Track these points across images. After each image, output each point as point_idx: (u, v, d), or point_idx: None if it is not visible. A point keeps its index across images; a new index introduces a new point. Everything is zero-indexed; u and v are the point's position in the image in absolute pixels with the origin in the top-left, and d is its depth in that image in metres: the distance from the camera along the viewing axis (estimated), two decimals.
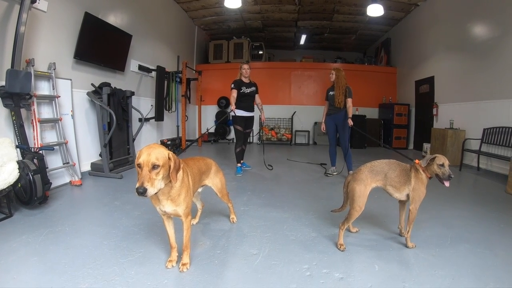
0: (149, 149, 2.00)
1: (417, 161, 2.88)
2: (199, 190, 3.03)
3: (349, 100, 5.79)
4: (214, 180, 3.03)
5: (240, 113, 6.00)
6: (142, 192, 1.88)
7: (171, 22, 10.00)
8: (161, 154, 2.00)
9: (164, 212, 2.29)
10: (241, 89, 5.99)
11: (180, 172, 2.23)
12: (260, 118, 6.41)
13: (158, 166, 1.96)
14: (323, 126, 6.19)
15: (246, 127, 6.19)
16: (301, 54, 14.89)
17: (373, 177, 2.82)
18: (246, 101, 6.05)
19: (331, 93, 5.97)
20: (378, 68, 12.95)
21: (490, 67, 6.75)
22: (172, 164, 2.05)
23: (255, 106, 6.34)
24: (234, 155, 6.23)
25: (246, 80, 6.09)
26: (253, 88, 6.16)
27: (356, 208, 2.73)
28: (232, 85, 5.97)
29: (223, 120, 5.88)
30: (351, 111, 5.80)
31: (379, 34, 13.18)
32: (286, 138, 11.83)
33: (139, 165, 1.96)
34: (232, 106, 5.85)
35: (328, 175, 6.08)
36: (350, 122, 5.69)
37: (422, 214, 3.77)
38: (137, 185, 1.90)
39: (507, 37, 6.24)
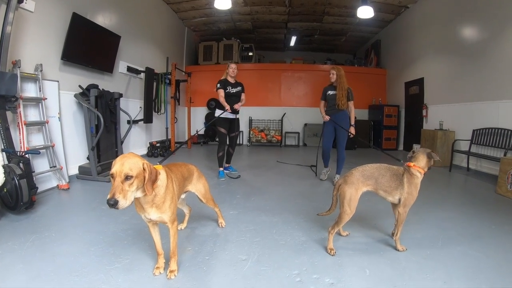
0: (123, 159, 1.93)
1: (409, 164, 2.81)
2: (183, 196, 2.98)
3: (351, 104, 5.51)
4: (197, 186, 2.99)
5: (224, 114, 5.74)
6: (113, 204, 1.81)
7: (161, 23, 9.94)
8: (135, 165, 1.92)
9: (150, 219, 2.24)
10: (227, 89, 5.80)
11: (164, 179, 2.18)
12: (235, 108, 5.76)
13: (132, 177, 1.89)
14: (326, 117, 5.56)
15: (231, 130, 5.96)
16: (291, 55, 14.86)
17: (364, 181, 2.81)
18: (231, 102, 5.74)
19: (330, 92, 5.60)
20: (368, 69, 13.01)
21: (479, 69, 6.82)
22: (146, 175, 1.97)
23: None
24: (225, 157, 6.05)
25: (232, 80, 5.91)
26: (239, 88, 5.96)
27: (347, 211, 2.72)
28: (218, 85, 5.79)
29: (213, 123, 5.65)
30: (353, 115, 5.55)
31: (369, 36, 13.24)
32: (276, 140, 11.84)
33: (112, 176, 1.89)
34: (226, 106, 5.60)
35: (323, 179, 5.83)
36: (353, 131, 5.37)
37: (412, 216, 3.77)
38: (108, 196, 1.82)
39: (495, 40, 6.32)
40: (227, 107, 5.60)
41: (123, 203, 1.84)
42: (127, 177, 1.87)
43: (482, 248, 2.91)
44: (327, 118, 5.55)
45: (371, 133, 11.72)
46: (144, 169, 1.96)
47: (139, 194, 2.01)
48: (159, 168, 2.17)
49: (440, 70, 8.45)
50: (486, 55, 6.61)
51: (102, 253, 2.69)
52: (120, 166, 1.88)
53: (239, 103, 5.85)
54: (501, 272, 2.48)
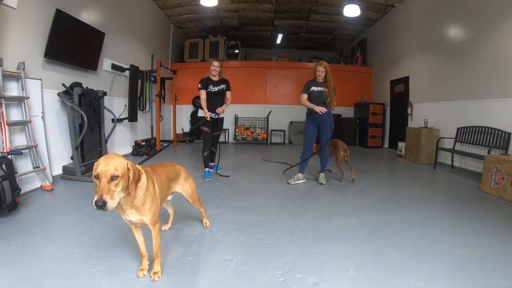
0: (107, 159, 1.89)
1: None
2: (169, 198, 2.96)
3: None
4: (184, 187, 2.97)
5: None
6: (101, 205, 1.77)
7: (146, 19, 9.84)
8: (119, 164, 1.90)
9: (130, 221, 2.22)
10: (209, 88, 5.65)
11: (144, 180, 2.15)
12: (217, 112, 5.67)
13: (117, 177, 1.86)
14: (320, 108, 5.05)
15: (214, 129, 5.85)
16: (278, 53, 14.89)
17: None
18: (213, 101, 5.66)
19: (314, 89, 5.25)
20: (354, 67, 13.08)
21: (464, 68, 6.93)
22: (131, 175, 1.96)
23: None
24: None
25: (214, 78, 5.73)
26: (222, 86, 5.77)
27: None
28: (199, 85, 5.65)
29: (196, 122, 5.62)
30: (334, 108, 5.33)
31: (355, 34, 13.31)
32: (261, 138, 11.85)
33: (97, 176, 1.85)
34: (206, 113, 5.49)
35: (291, 183, 5.44)
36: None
37: (396, 214, 3.85)
38: (96, 198, 1.79)
39: (480, 39, 6.41)
40: (207, 115, 5.50)
41: (111, 203, 1.83)
42: (113, 177, 1.85)
43: (465, 246, 2.95)
44: (322, 109, 5.08)
45: (357, 130, 11.82)
46: (128, 168, 1.95)
47: (121, 194, 1.98)
48: (139, 168, 2.14)
49: (425, 69, 8.55)
50: (471, 55, 6.70)
51: (86, 255, 2.66)
52: (105, 166, 1.84)
53: (223, 106, 5.74)
54: (485, 269, 2.51)
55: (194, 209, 3.52)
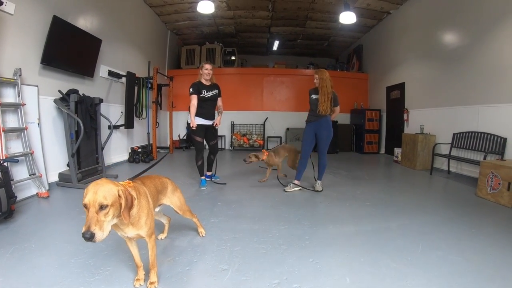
0: (96, 186, 1.80)
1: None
2: (157, 210, 2.89)
3: (337, 109, 5.33)
4: (172, 199, 2.92)
5: (198, 121, 5.36)
6: (88, 237, 1.68)
7: (143, 26, 9.85)
8: (109, 192, 1.80)
9: (127, 236, 2.19)
10: (201, 93, 5.34)
11: (134, 195, 2.06)
12: (215, 122, 5.57)
13: (107, 206, 1.77)
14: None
15: (209, 139, 5.64)
16: (274, 59, 14.95)
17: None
18: (206, 107, 5.41)
19: (313, 96, 5.23)
20: (350, 74, 13.12)
21: (459, 74, 6.97)
22: (123, 202, 1.86)
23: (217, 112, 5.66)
24: (206, 164, 5.80)
25: (206, 83, 5.45)
26: (215, 91, 5.49)
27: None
28: (191, 89, 5.31)
29: (188, 132, 5.38)
30: (335, 117, 5.45)
31: (351, 41, 13.38)
32: (258, 144, 11.82)
33: (85, 206, 1.76)
34: (192, 122, 5.25)
35: (287, 191, 5.37)
36: None
37: (393, 221, 3.85)
38: (83, 229, 1.70)
39: (475, 45, 6.46)
40: (193, 124, 5.27)
41: (100, 235, 1.74)
42: (102, 207, 1.76)
43: (461, 252, 2.95)
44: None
45: (353, 137, 11.86)
46: (119, 195, 1.86)
47: (114, 221, 1.91)
48: (130, 185, 2.06)
49: (421, 75, 8.59)
50: (466, 61, 6.75)
51: (82, 264, 2.65)
52: (93, 195, 1.76)
53: (219, 117, 5.56)
54: (481, 276, 2.52)
55: (188, 219, 3.52)
